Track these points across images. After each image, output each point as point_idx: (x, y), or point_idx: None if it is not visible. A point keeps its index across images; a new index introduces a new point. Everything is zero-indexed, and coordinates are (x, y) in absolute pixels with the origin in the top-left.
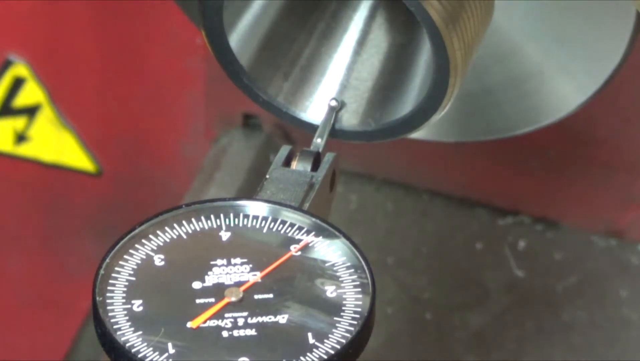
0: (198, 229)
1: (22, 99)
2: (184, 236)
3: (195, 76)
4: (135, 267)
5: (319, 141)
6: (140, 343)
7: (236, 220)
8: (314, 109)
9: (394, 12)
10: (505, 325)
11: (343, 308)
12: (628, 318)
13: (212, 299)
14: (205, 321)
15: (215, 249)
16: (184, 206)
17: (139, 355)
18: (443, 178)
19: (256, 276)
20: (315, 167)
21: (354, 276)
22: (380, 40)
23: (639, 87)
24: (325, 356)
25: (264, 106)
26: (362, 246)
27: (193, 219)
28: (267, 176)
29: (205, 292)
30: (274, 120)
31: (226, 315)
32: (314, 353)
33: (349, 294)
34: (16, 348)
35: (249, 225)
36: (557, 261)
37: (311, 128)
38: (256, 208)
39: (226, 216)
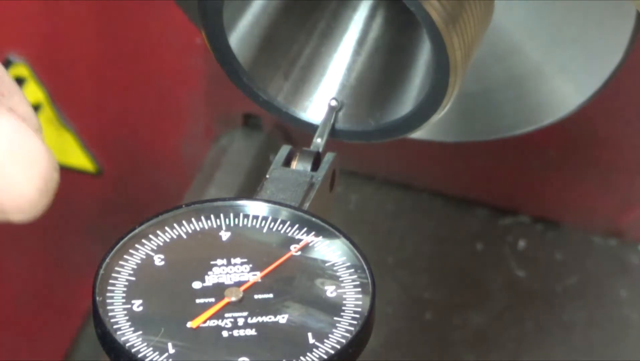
0: (198, 229)
1: None
2: (184, 236)
3: (195, 76)
4: (135, 267)
5: (319, 141)
6: (140, 343)
7: (236, 220)
8: (314, 109)
9: (394, 12)
10: (505, 324)
11: (343, 308)
12: (628, 318)
13: (212, 299)
14: (205, 321)
15: (215, 249)
16: (184, 206)
17: (139, 355)
18: (443, 178)
19: (256, 276)
20: (315, 167)
21: (354, 276)
22: (380, 40)
23: (639, 87)
24: (325, 356)
25: (264, 106)
26: (362, 246)
27: (193, 219)
28: (267, 176)
29: (205, 292)
30: (274, 120)
31: (226, 315)
32: (314, 353)
33: (349, 294)
34: (16, 348)
35: (249, 225)
36: (557, 261)
37: (311, 128)
38: (256, 208)
39: (226, 216)
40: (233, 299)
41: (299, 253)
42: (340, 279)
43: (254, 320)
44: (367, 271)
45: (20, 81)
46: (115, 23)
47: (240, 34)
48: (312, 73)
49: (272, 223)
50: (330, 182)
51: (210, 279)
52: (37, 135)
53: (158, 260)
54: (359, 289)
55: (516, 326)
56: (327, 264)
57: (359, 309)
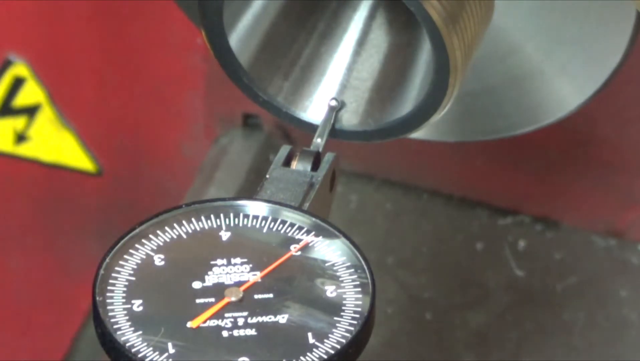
0: (198, 229)
1: (22, 99)
2: (184, 236)
3: (195, 76)
4: (135, 267)
5: (319, 141)
6: (140, 343)
7: (236, 220)
8: (314, 109)
9: (394, 12)
10: (505, 324)
11: (343, 307)
12: (628, 318)
13: (212, 299)
14: (205, 321)
15: (215, 249)
16: (184, 206)
17: (139, 355)
18: (443, 178)
19: (256, 276)
20: (315, 167)
21: (354, 276)
22: (380, 40)
23: (639, 87)
24: (325, 356)
25: (264, 106)
26: (362, 246)
27: (193, 219)
28: (267, 176)
29: (205, 292)
30: (274, 120)
31: (226, 315)
32: (314, 353)
33: (349, 294)
34: (16, 348)
35: (249, 225)
36: (557, 261)
37: (311, 128)
38: (256, 208)
39: (226, 216)
40: (233, 299)
41: (299, 253)
42: (340, 279)
43: (254, 320)
44: (367, 271)
45: (20, 81)
46: (115, 23)
47: (240, 34)
48: (312, 73)
49: (272, 223)
50: (330, 182)
51: (210, 279)
52: None
53: (158, 260)
54: (359, 289)
55: (516, 327)
56: (327, 264)
57: (359, 309)
